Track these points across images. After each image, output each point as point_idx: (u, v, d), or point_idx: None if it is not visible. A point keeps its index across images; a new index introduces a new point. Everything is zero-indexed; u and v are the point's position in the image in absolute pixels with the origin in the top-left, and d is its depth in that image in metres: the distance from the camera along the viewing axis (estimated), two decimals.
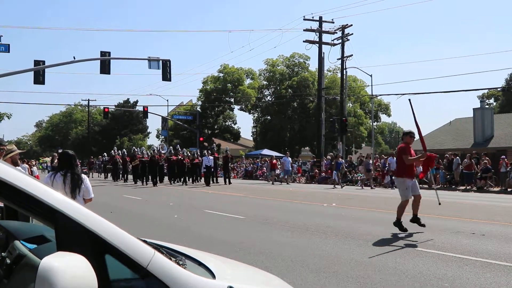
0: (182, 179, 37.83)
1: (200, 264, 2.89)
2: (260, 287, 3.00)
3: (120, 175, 43.68)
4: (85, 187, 7.74)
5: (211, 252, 3.76)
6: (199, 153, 39.80)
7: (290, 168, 40.29)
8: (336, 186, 33.12)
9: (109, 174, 47.36)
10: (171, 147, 41.82)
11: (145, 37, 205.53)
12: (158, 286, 2.30)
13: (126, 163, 42.92)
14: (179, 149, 40.73)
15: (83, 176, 8.32)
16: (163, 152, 38.31)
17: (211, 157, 36.21)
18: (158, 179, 36.18)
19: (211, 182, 35.85)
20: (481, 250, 9.57)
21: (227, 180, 36.71)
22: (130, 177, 41.52)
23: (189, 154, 39.33)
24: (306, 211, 17.27)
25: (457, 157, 32.14)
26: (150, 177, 36.03)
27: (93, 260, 2.05)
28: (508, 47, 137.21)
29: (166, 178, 39.36)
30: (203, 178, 37.10)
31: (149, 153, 38.04)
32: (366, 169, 33.22)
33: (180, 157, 38.08)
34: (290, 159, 41.25)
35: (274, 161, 41.12)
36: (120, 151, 46.02)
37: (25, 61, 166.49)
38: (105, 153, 54.05)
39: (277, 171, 40.94)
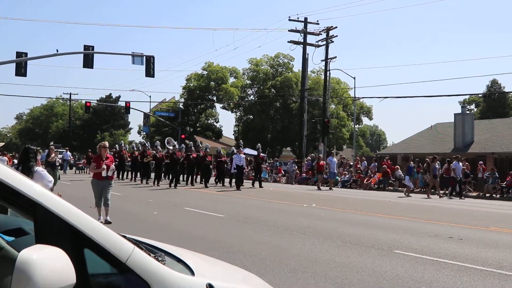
0: (201, 179, 31.89)
1: (179, 260, 2.88)
2: (238, 285, 3.00)
3: (129, 173, 37.56)
4: (36, 180, 7.84)
5: (190, 249, 3.75)
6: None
7: (336, 171, 34.61)
8: (409, 194, 28.09)
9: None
10: (188, 142, 36.58)
11: (129, 32, 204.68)
12: (136, 282, 2.29)
13: (136, 159, 35.53)
14: (200, 144, 34.98)
15: (36, 168, 8.55)
16: (170, 148, 32.72)
17: (243, 156, 30.97)
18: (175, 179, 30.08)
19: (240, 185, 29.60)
20: (458, 254, 9.65)
21: (255, 182, 31.71)
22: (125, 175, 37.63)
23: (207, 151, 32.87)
24: (286, 212, 17.29)
25: (437, 161, 32.38)
26: (170, 176, 30.84)
27: (72, 254, 2.04)
28: (490, 54, 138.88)
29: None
30: (213, 178, 32.49)
31: (166, 149, 32.84)
32: (433, 175, 28.09)
33: (201, 154, 31.74)
34: (335, 159, 35.16)
35: (322, 162, 34.68)
36: (126, 146, 41.10)
37: (7, 52, 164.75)
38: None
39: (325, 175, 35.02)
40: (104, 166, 13.29)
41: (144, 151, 33.62)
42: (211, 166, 32.50)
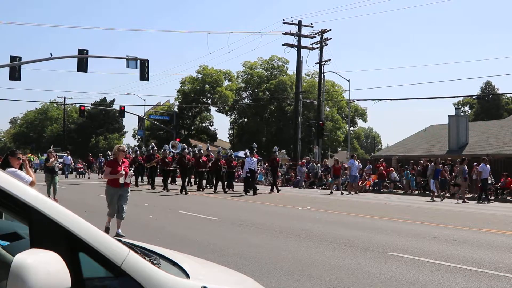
0: (213, 185, 30.47)
1: (174, 264, 2.88)
2: None
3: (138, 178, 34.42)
4: None
5: (185, 253, 3.76)
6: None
7: (358, 174, 32.03)
8: (435, 198, 26.86)
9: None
10: (197, 145, 34.77)
11: (123, 36, 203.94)
12: (132, 285, 2.29)
13: (139, 163, 33.03)
14: (209, 148, 34.48)
15: (7, 169, 8.55)
16: (176, 151, 31.54)
17: (255, 159, 29.25)
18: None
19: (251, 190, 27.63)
20: (453, 256, 9.67)
21: (273, 187, 29.43)
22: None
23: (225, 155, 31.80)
24: (281, 214, 17.29)
25: (432, 164, 32.42)
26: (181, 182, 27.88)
27: (67, 258, 2.04)
28: (484, 56, 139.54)
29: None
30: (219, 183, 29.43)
31: (171, 153, 31.53)
32: (463, 177, 26.92)
33: (211, 158, 30.56)
34: (357, 162, 32.51)
35: (339, 165, 32.47)
36: (131, 149, 39.92)
37: (1, 56, 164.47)
38: (109, 152, 45.63)
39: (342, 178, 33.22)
40: (123, 172, 11.73)
41: (153, 154, 32.37)
42: (223, 170, 30.14)
